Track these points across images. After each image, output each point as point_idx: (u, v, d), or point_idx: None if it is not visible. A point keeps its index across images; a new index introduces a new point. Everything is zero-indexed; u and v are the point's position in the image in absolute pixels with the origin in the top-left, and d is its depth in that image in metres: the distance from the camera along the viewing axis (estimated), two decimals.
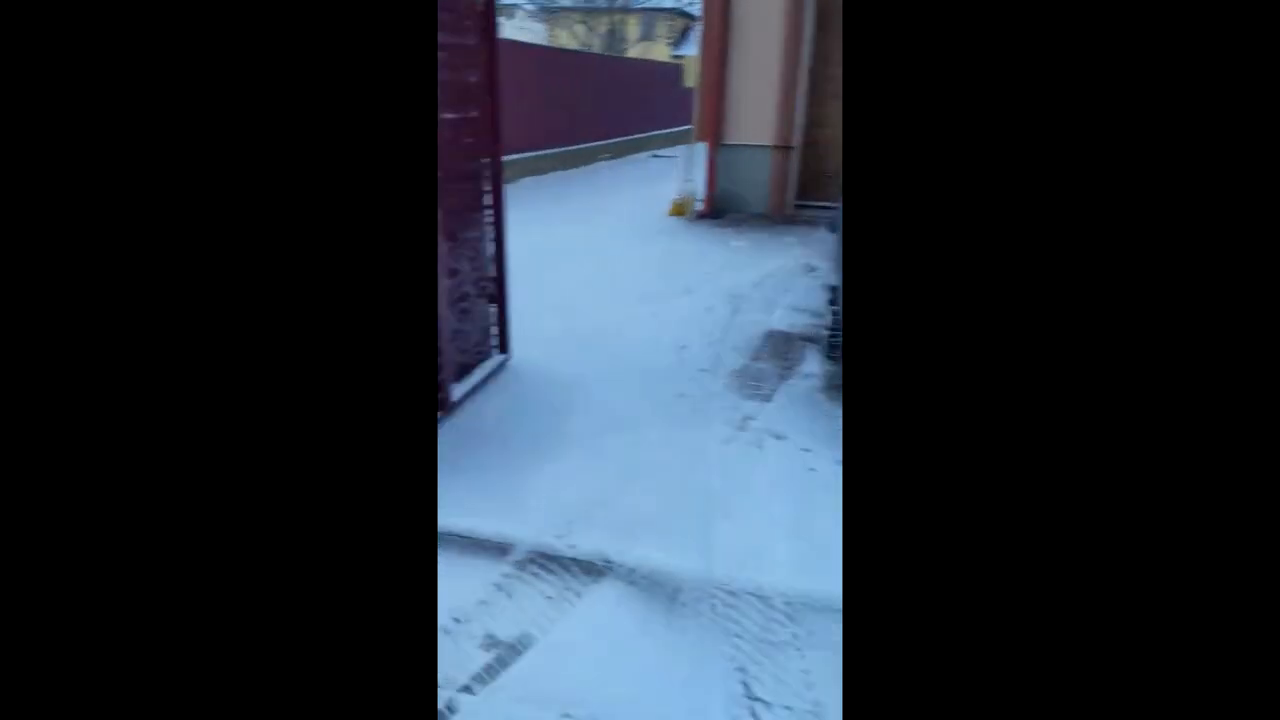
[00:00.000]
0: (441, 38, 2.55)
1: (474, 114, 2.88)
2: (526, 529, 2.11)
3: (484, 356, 3.18)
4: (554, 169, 10.68)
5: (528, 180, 9.62)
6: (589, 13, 22.86)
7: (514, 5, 23.40)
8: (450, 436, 2.63)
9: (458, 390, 2.85)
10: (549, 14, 23.44)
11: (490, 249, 3.12)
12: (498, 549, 2.05)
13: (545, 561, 2.01)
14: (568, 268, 5.22)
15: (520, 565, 2.00)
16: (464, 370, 2.99)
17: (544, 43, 19.97)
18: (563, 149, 11.00)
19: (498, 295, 3.21)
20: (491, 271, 3.15)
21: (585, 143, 11.86)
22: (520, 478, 2.39)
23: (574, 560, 2.01)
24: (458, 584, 1.92)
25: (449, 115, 2.69)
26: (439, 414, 2.70)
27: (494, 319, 3.24)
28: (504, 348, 3.30)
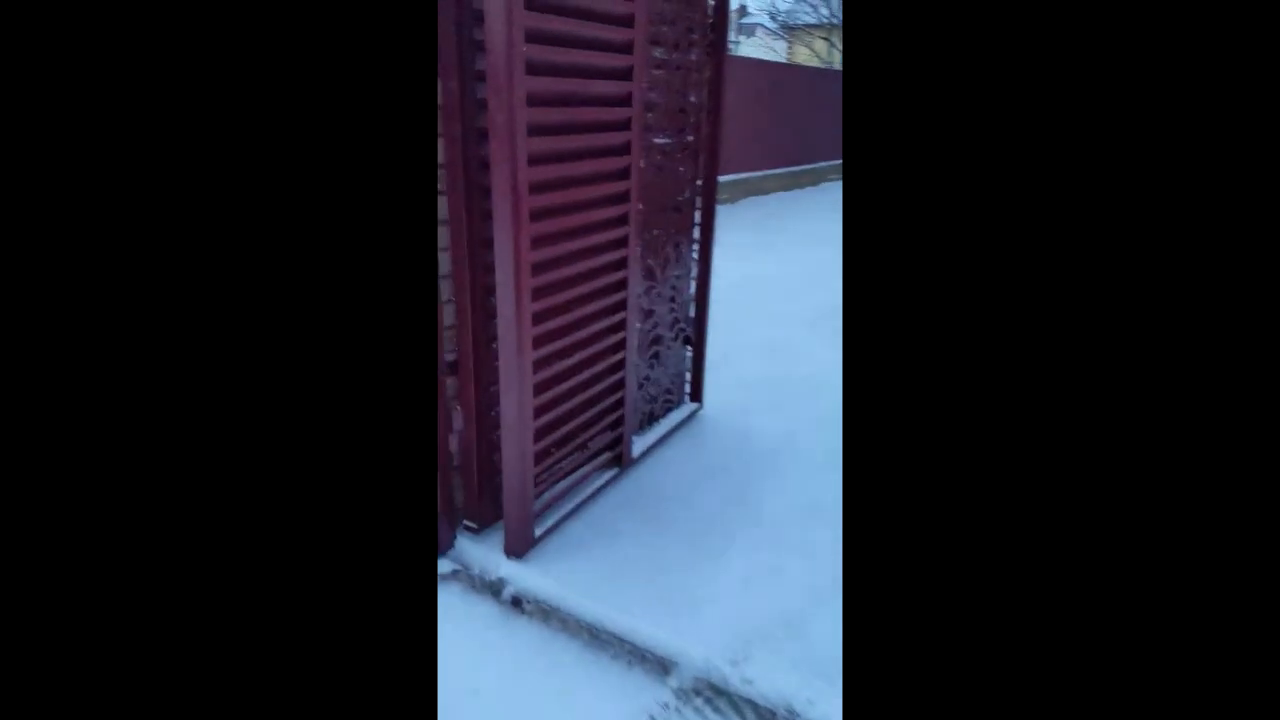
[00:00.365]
0: (659, 55, 2.28)
1: (690, 139, 2.58)
2: (696, 644, 1.73)
3: (672, 405, 2.86)
4: (778, 189, 10.25)
5: (748, 201, 9.29)
6: (833, 29, 22.08)
7: (754, 23, 23.26)
8: (622, 499, 2.34)
9: (639, 444, 2.56)
10: (790, 31, 23.00)
11: (692, 288, 2.80)
12: (658, 666, 1.70)
13: (713, 696, 1.62)
14: (778, 301, 4.78)
15: (682, 695, 1.63)
16: (649, 420, 2.70)
17: (782, 60, 19.55)
18: (789, 169, 10.53)
19: (696, 338, 2.88)
20: (692, 312, 2.83)
21: (814, 162, 11.28)
22: (696, 567, 2.02)
23: (749, 702, 1.60)
24: (607, 705, 1.60)
25: (660, 140, 2.41)
26: (616, 469, 2.42)
27: (688, 364, 2.91)
28: (697, 395, 2.97)
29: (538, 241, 1.79)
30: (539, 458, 2.04)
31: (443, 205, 1.81)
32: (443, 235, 1.83)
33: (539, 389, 1.94)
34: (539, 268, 1.82)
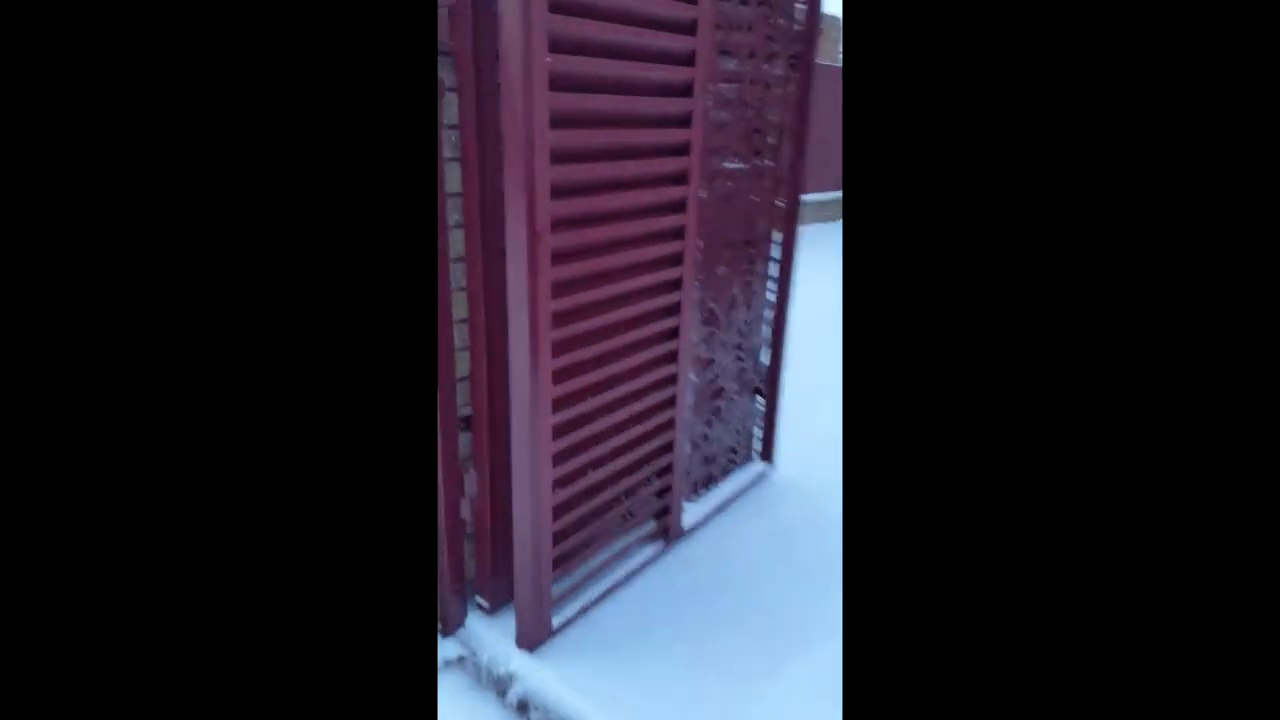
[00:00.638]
0: (731, 67, 1.96)
1: (769, 163, 2.24)
2: None
3: (735, 466, 2.51)
4: None
5: None
6: None
7: None
8: (665, 582, 2.01)
9: (692, 513, 2.22)
10: None
11: (766, 334, 2.44)
12: None
13: None
14: None
15: None
16: (706, 483, 2.36)
17: None
18: None
19: (768, 389, 2.52)
20: (764, 358, 2.48)
21: None
22: (743, 684, 1.67)
23: None
24: None
25: (731, 165, 2.08)
26: (662, 542, 2.10)
27: (758, 418, 2.55)
28: (767, 454, 2.60)
29: (562, 288, 1.51)
30: (561, 535, 1.75)
31: (459, 239, 1.56)
32: (458, 274, 1.59)
33: (561, 458, 1.65)
34: (563, 318, 1.54)
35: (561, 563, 1.78)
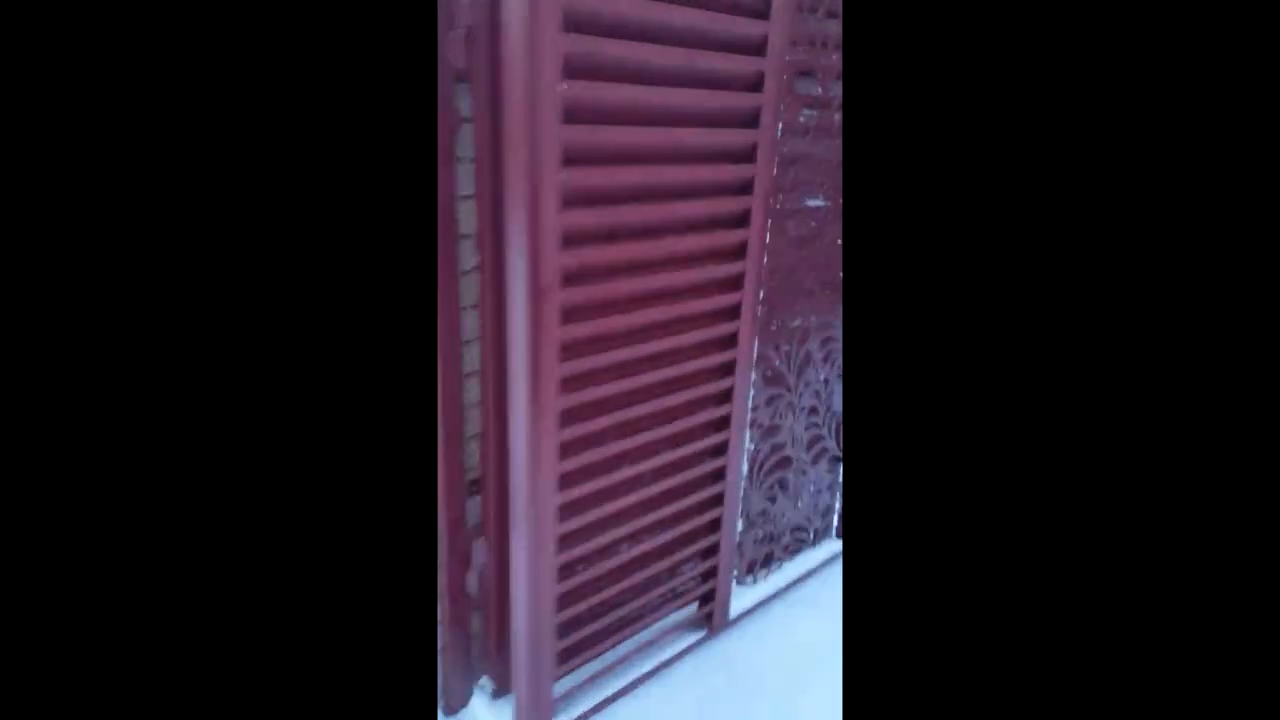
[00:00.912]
0: (812, 91, 1.68)
1: None
2: None
3: (803, 545, 2.19)
4: None
5: None
6: None
7: None
8: (703, 678, 1.74)
9: (742, 598, 1.94)
10: None
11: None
12: None
13: None
14: None
15: None
16: (765, 563, 2.06)
17: None
18: None
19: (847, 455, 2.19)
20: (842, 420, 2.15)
21: None
22: None
23: None
24: None
25: (813, 202, 1.80)
26: (704, 630, 1.84)
27: (833, 488, 2.22)
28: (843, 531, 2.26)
29: (573, 349, 1.30)
30: (570, 626, 1.54)
31: (472, 285, 1.39)
32: (471, 322, 1.42)
33: (569, 541, 1.44)
34: (575, 382, 1.33)
35: (570, 655, 1.56)
